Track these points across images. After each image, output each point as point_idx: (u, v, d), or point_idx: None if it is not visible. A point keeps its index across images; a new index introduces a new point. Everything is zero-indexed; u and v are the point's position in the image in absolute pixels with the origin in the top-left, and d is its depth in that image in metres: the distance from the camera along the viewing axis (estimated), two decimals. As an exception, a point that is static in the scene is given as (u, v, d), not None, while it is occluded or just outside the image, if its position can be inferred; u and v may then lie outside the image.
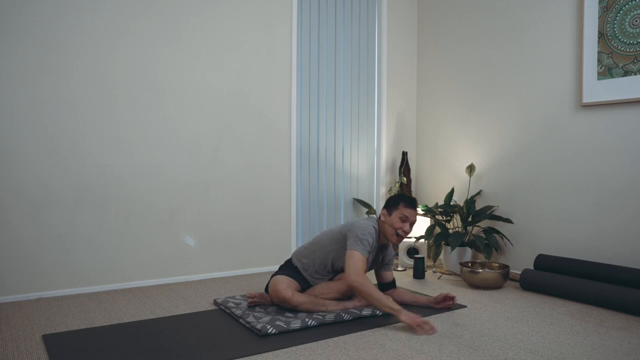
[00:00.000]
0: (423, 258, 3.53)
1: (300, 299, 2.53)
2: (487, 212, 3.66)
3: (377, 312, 2.57)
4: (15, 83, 2.85)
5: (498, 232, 3.59)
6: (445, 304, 2.69)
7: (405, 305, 2.76)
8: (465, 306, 2.77)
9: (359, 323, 2.44)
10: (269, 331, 2.26)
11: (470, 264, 3.39)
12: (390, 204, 2.69)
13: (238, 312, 2.56)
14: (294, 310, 2.57)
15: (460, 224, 3.91)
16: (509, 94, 3.69)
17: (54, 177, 2.97)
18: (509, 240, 3.65)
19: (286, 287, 2.55)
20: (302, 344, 2.16)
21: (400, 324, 2.44)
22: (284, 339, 2.20)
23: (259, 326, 2.29)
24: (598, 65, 3.13)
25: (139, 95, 3.22)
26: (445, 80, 4.22)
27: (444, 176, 4.22)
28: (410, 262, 3.85)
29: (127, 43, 3.17)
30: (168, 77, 3.32)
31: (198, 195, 3.44)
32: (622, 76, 3.02)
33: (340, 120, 4.13)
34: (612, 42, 3.07)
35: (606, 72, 3.10)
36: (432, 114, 4.35)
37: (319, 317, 2.44)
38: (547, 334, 2.32)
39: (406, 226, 2.62)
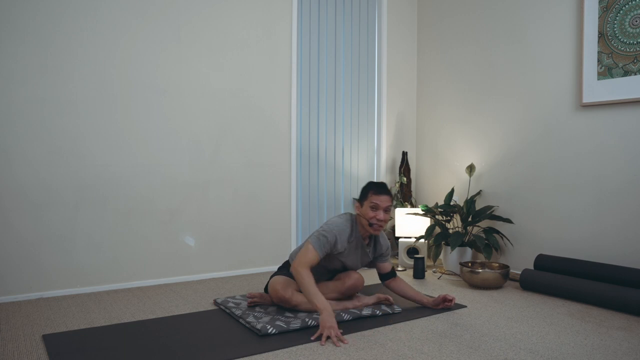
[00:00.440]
0: (423, 258, 3.53)
1: (299, 298, 2.53)
2: (487, 212, 3.66)
3: (377, 312, 2.57)
4: (15, 83, 2.85)
5: (498, 232, 3.59)
6: (444, 305, 2.69)
7: (405, 300, 2.76)
8: (465, 306, 2.78)
9: (359, 323, 2.44)
10: (269, 331, 2.26)
11: (470, 264, 3.39)
12: (361, 195, 2.63)
13: (238, 312, 2.56)
14: (294, 310, 2.57)
15: (460, 224, 3.91)
16: (509, 94, 3.69)
17: (54, 177, 2.97)
18: (509, 240, 3.65)
19: (285, 287, 2.55)
20: (302, 344, 2.16)
21: (400, 324, 2.44)
22: (284, 339, 2.20)
23: (259, 326, 2.29)
24: (598, 65, 3.13)
25: (139, 95, 3.22)
26: (445, 80, 4.22)
27: (444, 176, 4.22)
28: (410, 262, 3.85)
29: (127, 43, 3.17)
30: (168, 77, 3.32)
31: (198, 195, 3.44)
32: (622, 76, 3.02)
33: (340, 120, 4.13)
34: (612, 42, 3.07)
35: (606, 72, 3.10)
36: (432, 114, 4.35)
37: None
38: (547, 334, 2.32)
39: (379, 214, 2.53)
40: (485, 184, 3.85)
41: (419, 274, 3.50)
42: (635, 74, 2.97)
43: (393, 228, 4.27)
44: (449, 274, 3.63)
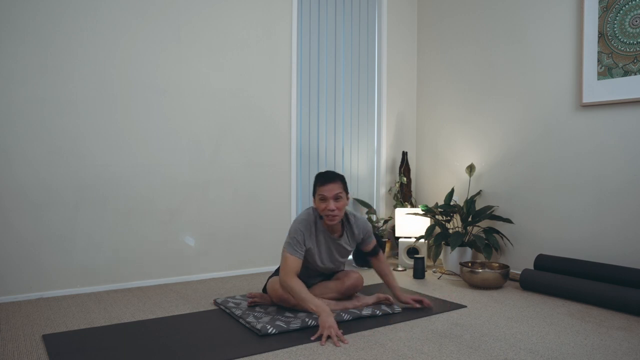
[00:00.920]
0: (423, 258, 3.53)
1: None
2: (487, 212, 3.66)
3: (377, 312, 2.57)
4: (15, 83, 2.85)
5: (498, 232, 3.59)
6: (413, 305, 2.67)
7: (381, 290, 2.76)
8: (465, 306, 2.77)
9: (359, 323, 2.44)
10: (269, 331, 2.26)
11: (470, 264, 3.39)
12: (313, 188, 2.57)
13: (238, 312, 2.56)
14: (294, 310, 2.57)
15: (460, 224, 3.91)
16: (509, 94, 3.69)
17: (54, 177, 2.97)
18: (509, 240, 3.65)
19: None
20: (302, 344, 2.16)
21: (400, 324, 2.44)
22: (284, 339, 2.20)
23: (259, 326, 2.29)
24: (598, 65, 3.13)
25: (139, 95, 3.22)
26: (445, 80, 4.22)
27: (444, 176, 4.22)
28: (410, 262, 3.85)
29: (127, 43, 3.17)
30: (168, 77, 3.32)
31: (198, 195, 3.44)
32: (622, 76, 3.02)
33: (340, 120, 4.13)
34: (612, 42, 3.07)
35: (606, 72, 3.10)
36: (432, 114, 4.35)
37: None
38: (547, 334, 2.32)
39: (329, 204, 2.46)
40: (485, 184, 3.85)
41: (419, 274, 3.50)
42: (635, 74, 2.97)
43: (393, 228, 4.27)
44: (449, 274, 3.63)
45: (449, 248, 3.62)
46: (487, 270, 3.21)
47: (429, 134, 4.38)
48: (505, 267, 3.29)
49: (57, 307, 2.74)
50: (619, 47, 3.04)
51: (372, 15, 4.31)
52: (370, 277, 3.55)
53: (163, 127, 3.31)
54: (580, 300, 2.88)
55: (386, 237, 4.13)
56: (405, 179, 4.23)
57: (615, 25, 3.05)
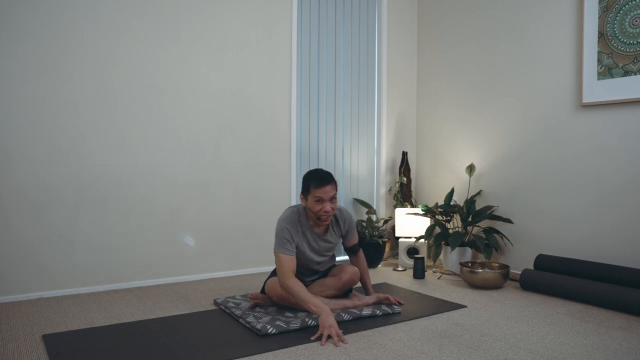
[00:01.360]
0: (423, 258, 3.53)
1: None
2: (487, 212, 3.66)
3: (377, 312, 2.57)
4: (15, 83, 2.85)
5: (498, 232, 3.59)
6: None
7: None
8: (465, 306, 2.77)
9: (359, 323, 2.44)
10: (269, 331, 2.26)
11: (470, 264, 3.39)
12: (303, 188, 2.55)
13: (238, 312, 2.56)
14: (294, 309, 2.57)
15: (460, 224, 3.91)
16: (509, 94, 3.69)
17: (54, 177, 2.97)
18: (509, 240, 3.65)
19: None
20: (302, 344, 2.16)
21: (400, 324, 2.44)
22: (284, 339, 2.20)
23: (259, 326, 2.29)
24: (598, 65, 3.13)
25: (139, 95, 3.22)
26: (445, 80, 4.22)
27: (444, 176, 4.22)
28: (410, 262, 3.85)
29: (127, 43, 3.17)
30: (168, 77, 3.32)
31: (198, 195, 3.44)
32: (622, 76, 3.02)
33: (340, 120, 4.13)
34: (612, 42, 3.07)
35: (606, 72, 3.10)
36: (432, 114, 4.35)
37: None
38: (547, 334, 2.32)
39: (325, 206, 2.47)
40: (485, 184, 3.85)
41: (419, 274, 3.50)
42: (635, 74, 2.97)
43: (393, 228, 4.27)
44: (449, 274, 3.63)
45: (449, 248, 3.62)
46: (487, 270, 3.21)
47: (429, 134, 4.38)
48: (505, 267, 3.29)
49: (57, 307, 2.74)
50: (619, 47, 3.04)
51: (372, 15, 4.31)
52: (371, 277, 3.54)
53: (163, 127, 3.31)
54: (580, 300, 2.88)
55: (386, 237, 4.13)
56: (405, 179, 4.23)
57: (615, 25, 3.05)
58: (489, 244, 3.50)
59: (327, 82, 4.04)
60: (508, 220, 3.54)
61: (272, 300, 2.64)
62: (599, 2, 3.13)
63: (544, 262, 3.22)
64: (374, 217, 4.14)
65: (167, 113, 3.32)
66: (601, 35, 3.12)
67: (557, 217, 3.37)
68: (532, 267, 3.49)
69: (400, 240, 3.92)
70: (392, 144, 4.38)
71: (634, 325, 2.47)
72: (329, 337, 2.20)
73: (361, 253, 2.83)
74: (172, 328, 2.37)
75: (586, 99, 3.19)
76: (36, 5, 2.89)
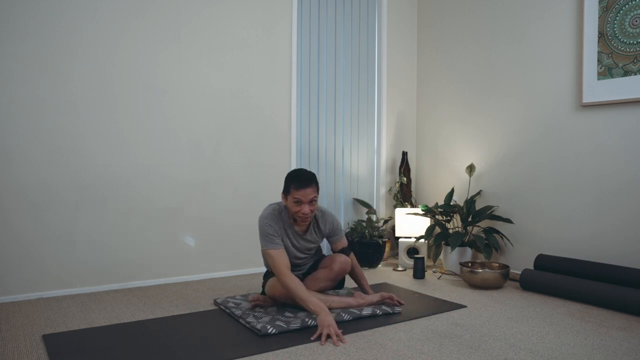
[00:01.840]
0: (423, 258, 3.53)
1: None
2: (487, 212, 3.66)
3: (377, 311, 2.57)
4: (15, 83, 2.85)
5: (498, 232, 3.59)
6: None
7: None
8: (465, 306, 2.77)
9: (359, 323, 2.44)
10: (269, 331, 2.26)
11: (470, 264, 3.39)
12: (284, 187, 2.53)
13: (238, 312, 2.56)
14: (294, 309, 2.57)
15: (460, 224, 3.91)
16: (509, 94, 3.69)
17: (54, 177, 2.97)
18: (509, 240, 3.65)
19: None
20: (302, 344, 2.16)
21: (400, 324, 2.44)
22: (284, 339, 2.20)
23: (259, 326, 2.30)
24: (598, 65, 3.13)
25: (139, 95, 3.22)
26: (445, 80, 4.22)
27: (444, 176, 4.22)
28: (410, 262, 3.85)
29: (127, 43, 3.17)
30: (168, 77, 3.32)
31: (198, 195, 3.44)
32: (622, 76, 3.02)
33: (340, 120, 4.13)
34: (612, 42, 3.07)
35: (606, 72, 3.10)
36: (432, 114, 4.35)
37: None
38: (547, 334, 2.32)
39: (304, 208, 2.46)
40: (485, 184, 3.85)
41: (419, 274, 3.50)
42: (635, 74, 2.97)
43: (393, 228, 4.27)
44: (449, 274, 3.63)
45: (449, 248, 3.62)
46: (487, 270, 3.21)
47: (429, 134, 4.38)
48: (505, 267, 3.29)
49: (57, 307, 2.74)
50: (619, 47, 3.04)
51: (372, 15, 4.31)
52: (370, 277, 3.54)
53: (163, 127, 3.31)
54: (580, 300, 2.88)
55: (386, 237, 4.13)
56: (405, 179, 4.23)
57: (615, 25, 3.05)
58: (489, 244, 3.50)
59: (327, 82, 4.04)
60: (508, 220, 3.54)
61: (274, 299, 2.64)
62: (599, 2, 3.13)
63: (544, 262, 3.22)
64: (374, 217, 4.14)
65: (167, 113, 3.32)
66: (601, 35, 3.12)
67: (557, 217, 3.37)
68: (532, 267, 3.49)
69: (400, 240, 3.92)
70: (392, 144, 4.38)
71: (634, 325, 2.47)
72: (329, 336, 2.20)
73: (352, 257, 2.79)
74: (172, 328, 2.37)
75: (586, 99, 3.19)
76: (36, 5, 2.89)
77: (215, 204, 3.51)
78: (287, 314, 2.53)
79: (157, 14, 3.27)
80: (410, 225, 3.92)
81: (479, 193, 3.87)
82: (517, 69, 3.63)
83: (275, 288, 2.58)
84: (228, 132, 3.55)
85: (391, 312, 2.60)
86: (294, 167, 3.82)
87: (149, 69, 3.25)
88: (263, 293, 2.75)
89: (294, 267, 2.73)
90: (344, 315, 2.48)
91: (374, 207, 4.29)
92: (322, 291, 2.66)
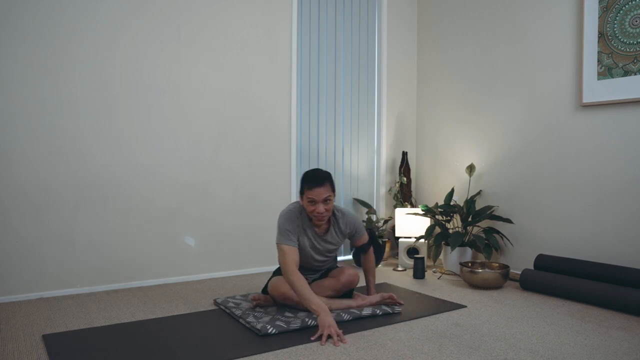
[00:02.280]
0: (423, 258, 3.53)
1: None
2: (487, 212, 3.66)
3: (377, 311, 2.57)
4: (15, 83, 2.85)
5: (498, 232, 3.59)
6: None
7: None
8: (465, 306, 2.78)
9: (359, 323, 2.44)
10: (269, 331, 2.26)
11: (470, 264, 3.39)
12: (300, 187, 2.54)
13: (238, 312, 2.56)
14: (294, 309, 2.57)
15: (460, 224, 3.91)
16: (509, 94, 3.69)
17: (54, 177, 2.97)
18: (509, 240, 3.65)
19: (286, 283, 2.55)
20: (302, 344, 2.16)
21: (400, 324, 2.44)
22: (284, 339, 2.20)
23: (259, 326, 2.30)
24: (598, 65, 3.13)
25: (139, 95, 3.22)
26: (445, 80, 4.22)
27: (444, 176, 4.22)
28: (410, 262, 3.85)
29: (127, 43, 3.17)
30: (168, 77, 3.32)
31: (198, 195, 3.44)
32: (622, 76, 3.02)
33: (340, 120, 4.13)
34: (612, 42, 3.07)
35: (606, 72, 3.10)
36: (432, 114, 4.35)
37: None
38: (547, 334, 2.32)
39: (318, 207, 2.47)
40: (485, 184, 3.85)
41: (419, 274, 3.50)
42: (635, 74, 2.97)
43: (393, 228, 4.27)
44: (449, 274, 3.63)
45: (449, 248, 3.62)
46: (487, 270, 3.21)
47: (429, 134, 4.38)
48: (505, 267, 3.29)
49: (57, 307, 2.74)
50: (619, 47, 3.04)
51: (372, 15, 4.31)
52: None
53: (163, 127, 3.31)
54: (580, 300, 2.88)
55: (386, 237, 4.13)
56: (405, 179, 4.23)
57: (615, 25, 3.05)
58: (489, 244, 3.50)
59: (327, 82, 4.04)
60: (508, 220, 3.54)
61: (275, 299, 2.64)
62: (599, 2, 3.13)
63: (544, 262, 3.22)
64: (374, 217, 4.14)
65: (167, 113, 3.32)
66: (601, 35, 3.12)
67: (557, 217, 3.37)
68: (532, 267, 3.49)
69: (400, 240, 3.92)
70: (392, 144, 4.38)
71: (634, 325, 2.47)
72: (329, 337, 2.20)
73: (371, 252, 2.82)
74: (172, 328, 2.37)
75: (586, 99, 3.19)
76: (36, 5, 2.89)
77: (215, 204, 3.51)
78: (287, 314, 2.53)
79: (157, 14, 3.27)
80: (410, 225, 3.92)
81: (479, 193, 3.87)
82: (517, 69, 3.63)
83: (277, 288, 2.57)
84: (228, 132, 3.55)
85: (391, 312, 2.60)
86: (294, 167, 3.83)
87: (149, 69, 3.25)
88: (265, 292, 2.74)
89: (310, 271, 2.73)
90: (344, 315, 2.48)
91: (374, 207, 4.29)
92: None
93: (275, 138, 3.75)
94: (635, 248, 2.98)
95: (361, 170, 4.25)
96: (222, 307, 2.70)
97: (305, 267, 2.71)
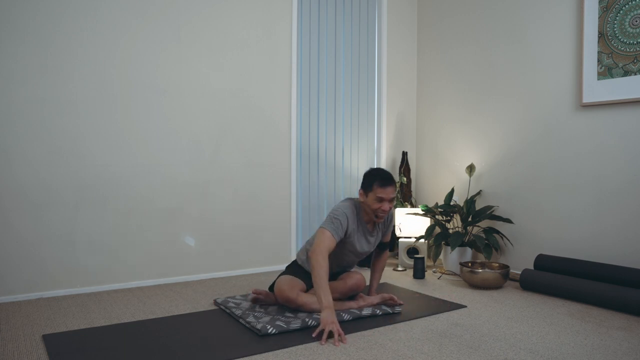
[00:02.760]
0: (423, 258, 3.53)
1: (305, 299, 2.52)
2: (487, 212, 3.66)
3: (377, 311, 2.57)
4: (15, 83, 2.85)
5: (498, 232, 3.59)
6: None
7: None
8: (465, 306, 2.78)
9: (359, 323, 2.44)
10: (269, 331, 2.26)
11: (470, 264, 3.39)
12: (365, 185, 2.59)
13: (238, 312, 2.56)
14: (296, 310, 2.57)
15: (460, 224, 3.91)
16: (509, 94, 3.69)
17: (54, 177, 2.97)
18: (509, 240, 3.65)
19: (292, 287, 2.55)
20: (302, 344, 2.16)
21: (400, 324, 2.44)
22: (284, 339, 2.20)
23: (259, 326, 2.30)
24: (598, 65, 3.13)
25: (139, 95, 3.22)
26: (445, 80, 4.22)
27: (444, 176, 4.22)
28: (410, 262, 3.85)
29: (127, 43, 3.17)
30: (168, 77, 3.32)
31: (198, 195, 3.44)
32: (622, 76, 3.02)
33: (340, 120, 4.13)
34: (612, 42, 3.07)
35: (606, 72, 3.10)
36: (432, 114, 4.35)
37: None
38: (547, 334, 2.32)
39: (384, 205, 2.54)
40: (485, 184, 3.85)
41: (419, 274, 3.50)
42: (635, 74, 2.97)
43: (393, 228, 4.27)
44: (449, 274, 3.63)
45: (449, 248, 3.62)
46: (487, 270, 3.21)
47: (429, 134, 4.38)
48: (505, 267, 3.29)
49: (57, 307, 2.74)
50: (619, 47, 3.04)
51: (372, 15, 4.31)
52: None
53: (163, 127, 3.31)
54: (580, 300, 2.88)
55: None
56: (405, 179, 4.23)
57: (615, 25, 3.05)
58: (489, 244, 3.50)
59: (327, 82, 4.04)
60: (508, 220, 3.54)
61: (277, 299, 2.64)
62: (599, 2, 3.13)
63: (544, 262, 3.22)
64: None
65: (167, 113, 3.32)
66: (601, 35, 3.12)
67: (557, 217, 3.37)
68: (532, 267, 3.49)
69: (400, 240, 3.93)
70: (392, 144, 4.39)
71: (634, 325, 2.47)
72: (330, 335, 2.20)
73: (386, 251, 2.89)
74: (172, 328, 2.37)
75: (586, 99, 3.19)
76: (36, 5, 2.89)
77: (215, 204, 3.51)
78: (287, 314, 2.53)
79: (157, 14, 3.27)
80: (410, 225, 3.92)
81: (479, 193, 3.87)
82: (517, 69, 3.63)
83: (282, 291, 2.57)
84: (228, 132, 3.55)
85: (391, 312, 2.60)
86: (294, 167, 3.83)
87: (149, 69, 3.25)
88: (272, 290, 2.73)
89: (343, 267, 2.77)
90: (344, 315, 2.48)
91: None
92: None
93: (275, 138, 3.75)
94: (635, 248, 2.98)
95: (361, 170, 4.25)
96: (222, 307, 2.70)
97: (339, 262, 2.73)
